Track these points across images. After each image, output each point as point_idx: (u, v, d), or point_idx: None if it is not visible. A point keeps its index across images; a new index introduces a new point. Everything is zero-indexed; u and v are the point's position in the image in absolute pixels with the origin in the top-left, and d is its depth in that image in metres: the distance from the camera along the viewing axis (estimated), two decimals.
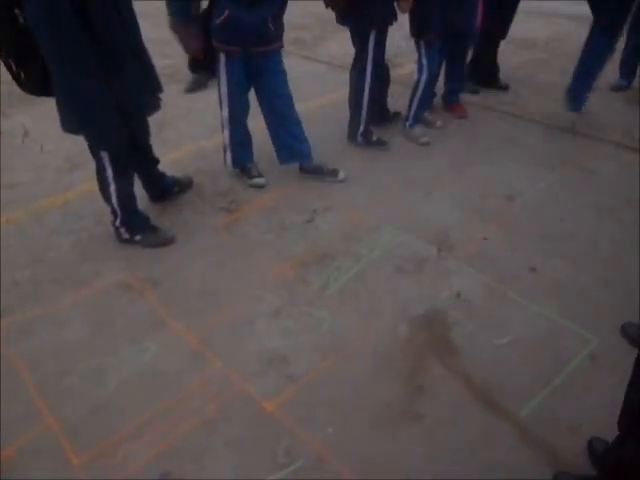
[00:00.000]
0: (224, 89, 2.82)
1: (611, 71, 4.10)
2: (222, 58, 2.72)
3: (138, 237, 2.60)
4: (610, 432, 1.47)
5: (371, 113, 3.39)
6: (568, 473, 1.63)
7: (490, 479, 1.64)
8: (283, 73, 2.87)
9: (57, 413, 1.85)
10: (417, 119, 3.61)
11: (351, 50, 3.31)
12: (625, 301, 2.23)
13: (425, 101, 3.57)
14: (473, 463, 1.68)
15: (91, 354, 2.07)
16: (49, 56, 2.04)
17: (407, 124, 3.62)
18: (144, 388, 1.93)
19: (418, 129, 3.61)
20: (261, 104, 2.97)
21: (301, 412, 1.84)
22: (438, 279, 2.41)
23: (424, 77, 3.41)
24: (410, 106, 3.57)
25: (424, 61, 3.37)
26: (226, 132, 2.99)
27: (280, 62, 2.84)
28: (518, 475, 1.65)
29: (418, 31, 3.29)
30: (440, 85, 3.95)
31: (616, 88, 4.27)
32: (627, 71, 4.24)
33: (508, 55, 4.90)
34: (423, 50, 3.34)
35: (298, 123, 3.03)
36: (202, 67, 2.93)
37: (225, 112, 2.91)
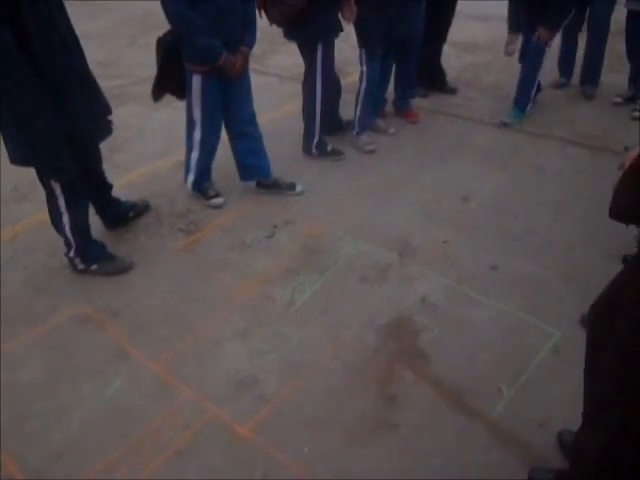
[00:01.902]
0: (197, 112, 2.77)
1: (550, 70, 4.27)
2: (196, 81, 2.67)
3: (94, 267, 2.52)
4: (579, 423, 1.51)
5: (324, 124, 3.40)
6: (543, 468, 1.65)
7: None
8: (250, 89, 2.87)
9: (19, 461, 1.76)
10: (363, 127, 3.64)
11: (300, 61, 3.33)
12: (583, 292, 2.29)
13: (368, 108, 3.60)
14: (450, 468, 1.69)
15: (51, 395, 1.98)
16: None
17: (354, 133, 3.65)
18: (111, 425, 1.86)
19: (365, 137, 3.64)
20: (226, 122, 2.93)
21: (276, 434, 1.81)
22: (402, 286, 2.43)
23: (364, 85, 3.47)
24: (355, 114, 3.61)
25: (364, 69, 3.44)
26: (195, 155, 2.93)
27: (249, 78, 2.85)
28: (495, 475, 1.67)
29: (361, 42, 3.34)
30: (391, 91, 4.01)
31: (557, 86, 4.43)
32: (565, 69, 4.41)
33: (453, 58, 5.03)
34: (364, 58, 3.40)
35: (260, 140, 3.02)
36: (167, 92, 2.86)
37: (198, 135, 2.86)
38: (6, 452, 1.78)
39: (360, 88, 3.50)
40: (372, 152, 3.57)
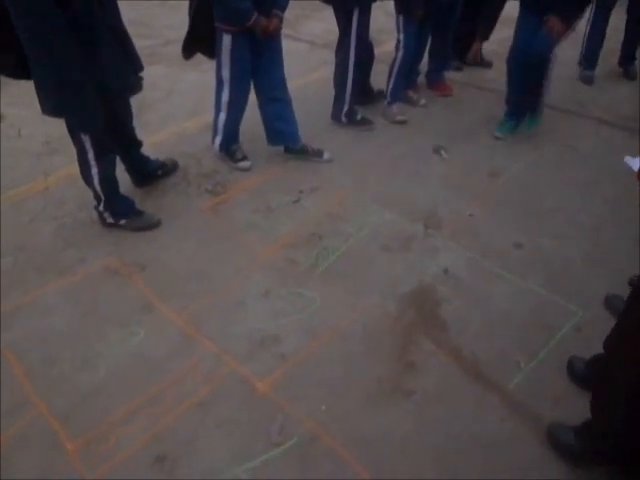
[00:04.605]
0: (226, 73, 2.75)
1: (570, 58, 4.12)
2: (226, 40, 2.65)
3: (123, 221, 2.56)
4: None
5: (355, 92, 3.36)
6: (561, 424, 1.69)
7: (480, 451, 1.68)
8: (281, 54, 2.84)
9: (48, 400, 1.84)
10: (395, 97, 3.59)
11: (333, 28, 3.27)
12: (608, 273, 2.28)
13: (402, 78, 3.54)
14: (464, 435, 1.72)
15: (79, 341, 2.05)
16: (25, 39, 1.97)
17: (386, 102, 3.61)
18: (135, 373, 1.92)
19: (396, 107, 3.60)
20: (256, 85, 2.92)
21: (294, 391, 1.85)
22: (425, 256, 2.43)
23: (401, 53, 3.39)
24: (388, 83, 3.55)
25: (401, 37, 3.35)
26: (222, 116, 2.93)
27: (281, 42, 2.82)
28: (507, 445, 1.69)
29: (401, 8, 3.25)
30: (424, 63, 3.93)
31: (585, 81, 4.24)
32: (592, 59, 4.23)
33: None
34: (401, 26, 3.31)
35: (289, 104, 3.01)
36: (198, 50, 2.85)
37: (225, 96, 2.85)
38: (36, 393, 1.86)
39: (396, 57, 3.43)
40: (403, 123, 3.53)
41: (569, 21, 2.83)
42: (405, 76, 3.55)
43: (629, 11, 3.97)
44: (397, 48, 3.40)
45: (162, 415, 1.79)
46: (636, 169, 1.66)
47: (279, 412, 1.78)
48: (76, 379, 1.91)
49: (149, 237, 2.56)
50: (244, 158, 3.06)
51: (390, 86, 3.54)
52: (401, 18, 3.29)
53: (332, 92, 3.43)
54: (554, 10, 2.80)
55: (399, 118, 3.54)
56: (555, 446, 1.67)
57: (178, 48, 2.85)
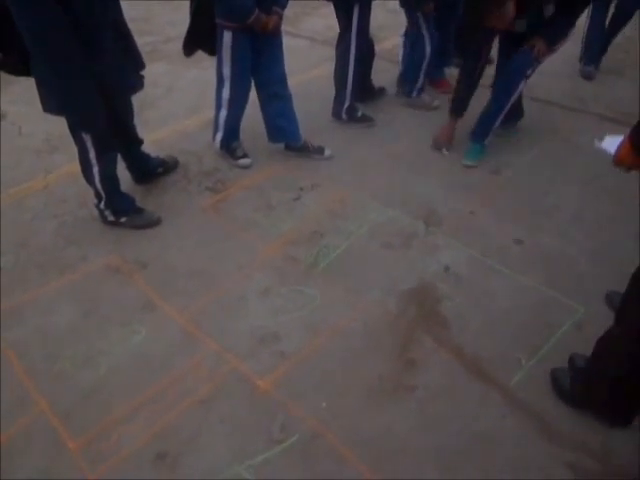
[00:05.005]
0: (227, 70, 2.75)
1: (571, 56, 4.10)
2: (227, 37, 2.64)
3: (123, 219, 2.56)
4: None
5: (355, 89, 3.36)
6: (564, 369, 1.82)
7: (481, 448, 1.68)
8: (282, 50, 2.84)
9: (49, 398, 1.84)
10: (421, 89, 3.70)
11: (333, 25, 3.26)
12: (610, 270, 2.27)
13: (428, 72, 3.66)
14: (465, 433, 1.72)
15: (80, 339, 2.05)
16: (26, 38, 1.96)
17: (413, 95, 3.68)
18: (136, 371, 1.93)
19: (425, 95, 3.71)
20: (256, 82, 2.92)
21: (295, 388, 1.85)
22: (426, 254, 2.43)
23: (428, 48, 3.45)
24: (415, 79, 3.62)
25: (425, 32, 3.39)
26: (223, 113, 2.93)
27: (281, 39, 2.81)
28: (508, 443, 1.69)
29: (413, 3, 3.26)
30: None
31: (586, 76, 4.24)
32: (592, 55, 4.22)
33: None
34: (422, 23, 3.35)
35: (290, 101, 3.00)
36: (199, 47, 2.85)
37: (226, 93, 2.85)
38: (37, 392, 1.87)
39: (424, 52, 3.47)
40: (437, 108, 3.64)
41: (550, 44, 2.77)
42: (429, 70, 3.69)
43: (618, 5, 3.99)
44: (423, 43, 3.44)
45: (163, 413, 1.79)
46: (612, 152, 1.62)
47: (280, 410, 1.78)
48: (77, 377, 1.91)
49: (150, 235, 2.56)
50: (244, 155, 3.06)
51: (419, 82, 3.63)
52: (420, 16, 3.32)
53: (332, 89, 3.42)
54: (539, 33, 2.73)
55: (435, 104, 3.66)
56: (557, 391, 1.80)
57: (179, 45, 2.85)
